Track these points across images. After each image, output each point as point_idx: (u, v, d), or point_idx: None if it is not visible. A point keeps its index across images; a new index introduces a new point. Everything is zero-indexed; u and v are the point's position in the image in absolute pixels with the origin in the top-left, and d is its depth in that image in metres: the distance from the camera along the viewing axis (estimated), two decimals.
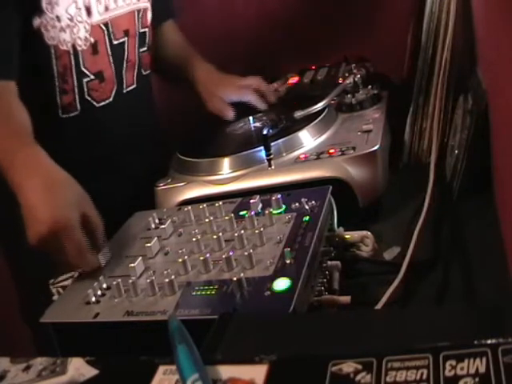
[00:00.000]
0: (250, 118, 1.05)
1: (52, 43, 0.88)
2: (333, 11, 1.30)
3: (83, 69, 0.92)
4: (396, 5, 1.19)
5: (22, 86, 0.85)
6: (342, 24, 1.29)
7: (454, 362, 0.37)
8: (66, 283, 0.72)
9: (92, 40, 0.92)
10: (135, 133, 1.04)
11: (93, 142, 0.98)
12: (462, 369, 0.36)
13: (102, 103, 0.96)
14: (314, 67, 1.27)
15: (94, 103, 0.95)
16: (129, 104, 1.01)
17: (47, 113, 0.92)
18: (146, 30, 1.04)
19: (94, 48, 0.92)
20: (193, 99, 1.36)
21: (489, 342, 0.37)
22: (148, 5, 1.03)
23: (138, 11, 1.00)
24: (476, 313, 0.45)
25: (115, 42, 0.96)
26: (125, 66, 0.99)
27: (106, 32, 0.94)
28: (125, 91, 1.00)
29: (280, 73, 1.31)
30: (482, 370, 0.36)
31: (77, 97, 0.93)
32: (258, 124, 1.02)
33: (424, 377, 0.37)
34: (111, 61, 0.96)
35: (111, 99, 0.98)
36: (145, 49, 1.04)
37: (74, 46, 0.89)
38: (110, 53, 0.95)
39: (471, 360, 0.37)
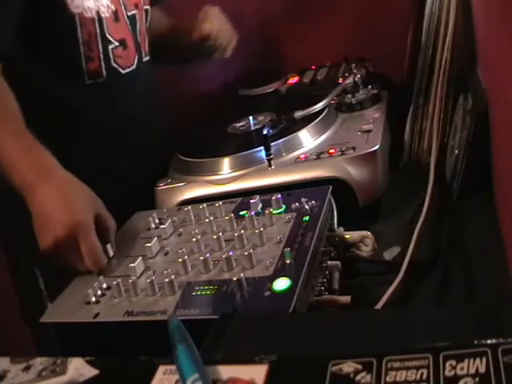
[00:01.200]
0: (250, 117, 1.05)
1: (77, 11, 0.89)
2: (333, 11, 1.30)
3: (108, 35, 0.94)
4: (396, 5, 1.19)
5: (49, 55, 0.88)
6: (342, 24, 1.29)
7: (453, 362, 0.37)
8: None
9: (113, 7, 0.94)
10: (150, 102, 1.06)
11: (117, 108, 0.99)
12: (461, 369, 0.36)
13: (128, 70, 0.98)
14: (314, 67, 1.27)
15: (120, 70, 0.97)
16: (147, 73, 1.04)
17: (74, 80, 0.93)
18: (148, 7, 1.07)
19: (116, 15, 0.95)
20: (192, 99, 1.36)
21: (489, 342, 0.37)
22: None
23: None
24: (476, 313, 0.45)
25: (129, 14, 0.99)
26: (139, 36, 1.02)
27: (121, 2, 0.97)
28: (144, 60, 1.03)
29: (280, 73, 1.31)
30: (482, 370, 0.36)
31: (103, 63, 0.94)
32: (257, 124, 1.02)
33: (424, 377, 0.37)
34: (130, 30, 0.99)
35: (134, 67, 1.00)
36: (147, 25, 1.07)
37: (98, 13, 0.91)
38: (127, 22, 0.98)
39: (471, 360, 0.37)
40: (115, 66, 0.96)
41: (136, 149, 1.02)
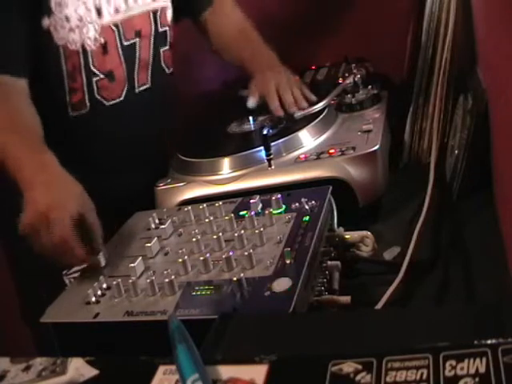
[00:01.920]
0: (250, 117, 1.05)
1: (61, 43, 0.89)
2: (333, 11, 1.30)
3: (92, 68, 0.93)
4: (396, 5, 1.19)
5: (31, 85, 0.86)
6: (342, 24, 1.29)
7: (453, 362, 0.37)
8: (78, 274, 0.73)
9: (102, 40, 0.92)
10: (146, 132, 1.04)
11: (102, 140, 0.98)
12: (461, 369, 0.36)
13: (112, 102, 0.97)
14: (314, 67, 1.27)
15: (104, 102, 0.96)
16: (142, 103, 1.02)
17: (57, 111, 0.93)
18: (167, 28, 1.04)
19: (104, 48, 0.93)
20: (192, 99, 1.36)
21: (489, 342, 0.37)
22: (167, 3, 1.02)
23: (155, 12, 1.00)
24: (476, 313, 0.45)
25: (126, 43, 0.96)
26: (137, 66, 0.99)
27: (116, 33, 0.94)
28: (137, 91, 1.01)
29: None
30: (482, 370, 0.36)
31: (86, 95, 0.93)
32: (257, 124, 1.02)
33: (424, 377, 0.37)
34: (122, 60, 0.96)
35: (122, 98, 0.98)
36: (167, 47, 1.05)
37: (83, 46, 0.90)
38: (120, 53, 0.96)
39: (471, 360, 0.37)
40: (99, 97, 0.95)
41: (130, 165, 1.02)
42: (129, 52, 0.97)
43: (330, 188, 0.75)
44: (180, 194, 0.90)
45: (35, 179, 0.73)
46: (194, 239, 0.69)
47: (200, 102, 1.37)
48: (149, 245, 0.71)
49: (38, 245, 0.71)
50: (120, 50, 0.95)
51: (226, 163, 0.92)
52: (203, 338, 0.48)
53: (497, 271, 0.64)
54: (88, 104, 0.94)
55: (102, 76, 0.94)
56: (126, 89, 0.98)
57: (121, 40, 0.95)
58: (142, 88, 1.01)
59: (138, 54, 0.99)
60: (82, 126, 0.95)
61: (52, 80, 0.91)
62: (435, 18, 0.96)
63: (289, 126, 0.94)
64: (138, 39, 0.98)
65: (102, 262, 0.72)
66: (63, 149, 0.82)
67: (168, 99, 1.09)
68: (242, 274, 0.60)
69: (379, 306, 0.63)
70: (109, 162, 1.00)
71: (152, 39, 1.01)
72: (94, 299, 0.64)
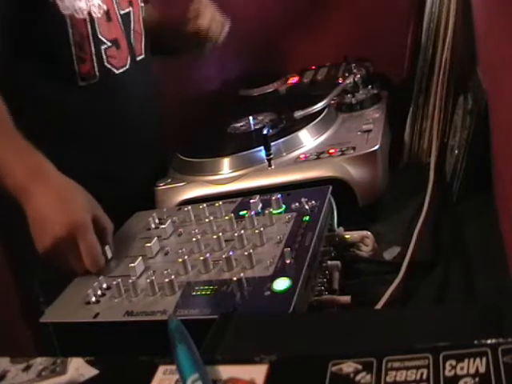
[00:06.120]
0: (250, 117, 1.05)
1: (67, 13, 0.88)
2: (333, 11, 1.30)
3: (100, 36, 0.92)
4: (396, 5, 1.19)
5: (41, 59, 0.87)
6: (342, 24, 1.29)
7: (453, 362, 0.37)
8: None
9: (105, 7, 0.93)
10: (146, 103, 1.05)
11: (112, 109, 0.98)
12: (461, 369, 0.36)
13: (121, 70, 0.97)
14: (314, 67, 1.27)
15: (114, 70, 0.96)
16: (141, 73, 1.03)
17: (66, 82, 0.92)
18: (143, 4, 1.06)
19: (108, 15, 0.94)
20: (192, 98, 1.36)
21: (489, 341, 0.37)
22: None
23: None
24: (476, 313, 0.45)
25: (122, 12, 0.98)
26: (132, 35, 1.01)
27: (114, 1, 0.96)
28: (137, 60, 1.02)
29: (280, 73, 1.31)
30: (482, 370, 0.36)
31: (95, 64, 0.93)
32: (258, 124, 1.02)
33: (424, 377, 0.37)
34: (122, 29, 0.98)
35: (128, 66, 0.99)
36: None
37: (90, 14, 0.90)
38: (120, 22, 0.97)
39: (471, 360, 0.37)
40: (109, 66, 0.94)
41: (132, 148, 1.02)
42: (125, 21, 0.98)
43: (330, 188, 0.75)
44: (180, 193, 0.90)
45: (36, 190, 0.71)
46: (194, 239, 0.69)
47: (200, 102, 1.37)
48: (149, 245, 0.71)
49: (63, 264, 0.71)
50: (119, 18, 0.97)
51: (226, 163, 0.92)
52: (203, 338, 0.48)
53: (497, 271, 0.64)
54: (98, 74, 0.93)
55: (109, 44, 0.94)
56: (129, 57, 0.99)
57: (118, 8, 0.97)
58: (139, 58, 1.03)
59: (132, 24, 1.00)
60: (92, 96, 0.94)
61: (60, 52, 0.90)
62: (435, 18, 0.96)
63: (289, 125, 0.94)
64: (131, 8, 1.00)
65: (109, 254, 0.72)
66: (73, 120, 0.83)
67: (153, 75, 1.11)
68: (242, 274, 0.60)
69: (379, 306, 0.63)
70: (115, 138, 0.99)
71: (139, 12, 1.03)
72: (94, 299, 0.64)
